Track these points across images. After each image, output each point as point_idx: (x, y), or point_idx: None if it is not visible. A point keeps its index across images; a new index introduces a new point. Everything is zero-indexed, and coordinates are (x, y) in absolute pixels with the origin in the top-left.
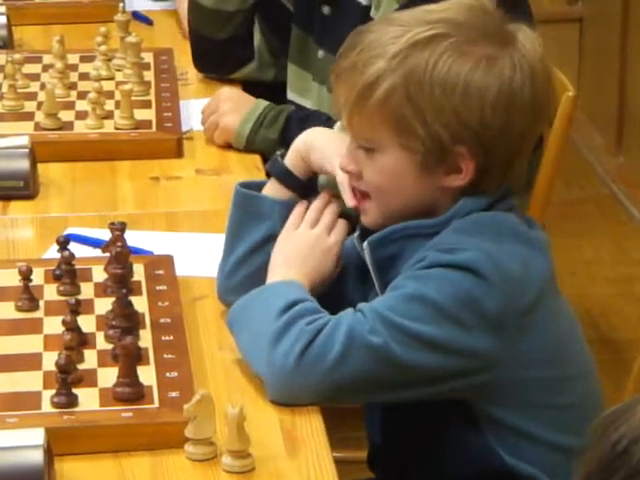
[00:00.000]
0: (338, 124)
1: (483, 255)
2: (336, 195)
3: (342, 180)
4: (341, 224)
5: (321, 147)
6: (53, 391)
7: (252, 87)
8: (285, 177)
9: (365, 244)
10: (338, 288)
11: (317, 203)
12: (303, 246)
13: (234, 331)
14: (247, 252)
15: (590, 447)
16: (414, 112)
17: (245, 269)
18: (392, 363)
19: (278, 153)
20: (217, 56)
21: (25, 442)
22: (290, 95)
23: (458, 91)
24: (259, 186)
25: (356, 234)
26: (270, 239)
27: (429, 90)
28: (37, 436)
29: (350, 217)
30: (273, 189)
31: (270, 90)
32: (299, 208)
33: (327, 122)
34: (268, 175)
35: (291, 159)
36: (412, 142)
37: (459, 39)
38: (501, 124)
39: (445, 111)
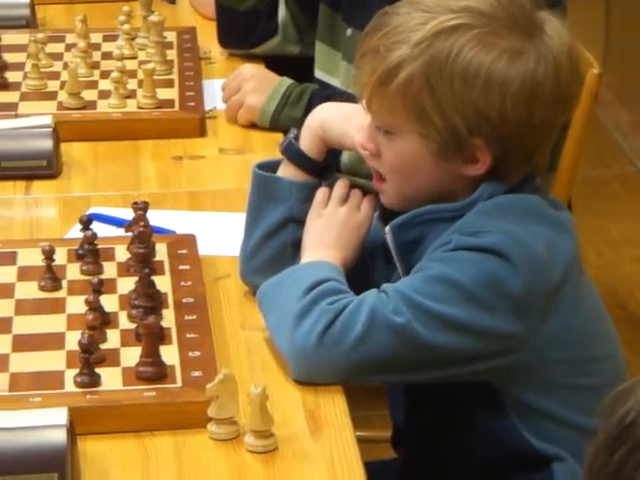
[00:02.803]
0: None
1: (507, 237)
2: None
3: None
4: (370, 199)
5: (338, 123)
6: (76, 371)
7: (276, 62)
8: (301, 160)
9: (387, 228)
10: (362, 268)
11: (343, 180)
12: (333, 224)
13: (263, 310)
14: (265, 235)
15: (600, 425)
16: (433, 101)
17: (264, 252)
18: (414, 343)
19: (291, 135)
20: (241, 28)
21: (48, 421)
22: (318, 73)
23: (479, 83)
24: (276, 165)
25: (376, 214)
26: (288, 221)
27: (449, 80)
28: (60, 415)
29: (377, 194)
30: (289, 171)
31: (294, 66)
32: (324, 187)
33: (351, 101)
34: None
35: (306, 140)
36: (429, 131)
37: (484, 30)
38: (520, 117)
39: (464, 103)
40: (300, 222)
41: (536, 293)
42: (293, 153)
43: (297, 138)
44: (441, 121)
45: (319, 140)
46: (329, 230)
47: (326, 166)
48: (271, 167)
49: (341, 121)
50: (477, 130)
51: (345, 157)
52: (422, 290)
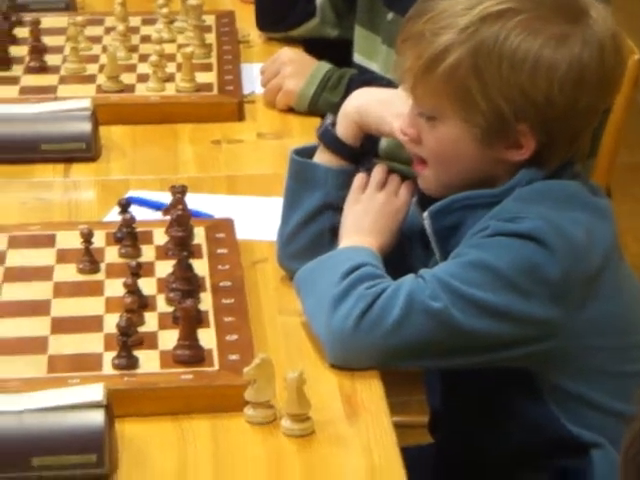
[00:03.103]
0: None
1: (545, 223)
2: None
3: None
4: (408, 185)
5: (375, 109)
6: (114, 353)
7: (314, 46)
8: (337, 146)
9: (425, 214)
10: (399, 254)
11: (381, 166)
12: (371, 209)
13: (300, 294)
14: (302, 221)
15: (637, 412)
16: (479, 86)
17: (301, 238)
18: (451, 328)
19: (328, 121)
20: (278, 10)
21: (86, 401)
22: (357, 57)
23: (526, 68)
24: (313, 151)
25: (414, 199)
26: (324, 208)
27: (497, 65)
28: (97, 393)
29: (415, 179)
30: (325, 157)
31: (332, 49)
32: (362, 173)
33: (389, 86)
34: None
35: (342, 127)
36: (474, 116)
37: (530, 15)
38: (567, 102)
39: (511, 87)
40: (337, 208)
41: (574, 279)
42: (329, 139)
43: (334, 124)
44: (487, 105)
45: (355, 126)
46: (367, 216)
47: (363, 152)
48: (308, 153)
49: (378, 107)
50: (523, 115)
51: (384, 142)
52: (459, 275)
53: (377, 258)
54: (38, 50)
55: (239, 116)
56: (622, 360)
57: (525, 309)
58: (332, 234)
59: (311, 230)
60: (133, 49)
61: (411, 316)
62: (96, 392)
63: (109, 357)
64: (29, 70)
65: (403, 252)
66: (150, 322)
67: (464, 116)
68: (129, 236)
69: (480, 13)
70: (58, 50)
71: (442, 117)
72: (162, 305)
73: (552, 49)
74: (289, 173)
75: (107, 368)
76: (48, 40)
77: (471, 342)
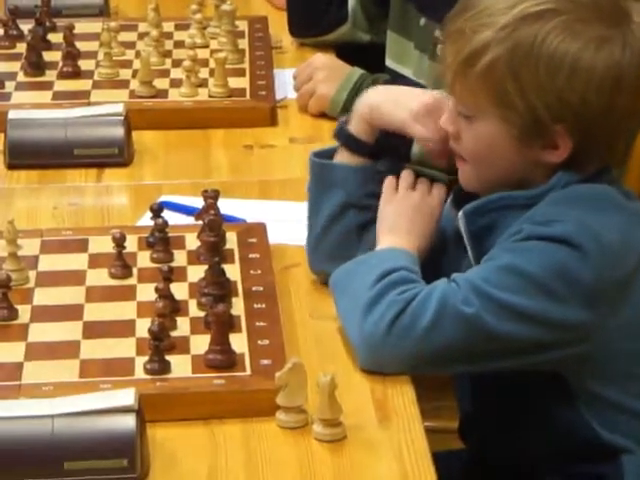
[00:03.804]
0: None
1: (580, 227)
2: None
3: (422, 134)
4: (439, 186)
5: (386, 104)
6: (146, 358)
7: (346, 51)
8: (351, 142)
9: (460, 214)
10: (432, 256)
11: (407, 170)
12: (407, 209)
13: (335, 295)
14: (326, 224)
15: None
16: (516, 86)
17: (328, 239)
18: (483, 333)
19: (342, 120)
20: (310, 15)
21: (118, 406)
22: (389, 63)
23: (564, 71)
24: (333, 153)
25: (449, 199)
26: (346, 207)
27: (534, 66)
28: (129, 398)
29: (445, 183)
30: (343, 156)
31: (364, 54)
32: (390, 175)
33: None
34: None
35: (354, 122)
36: (511, 115)
37: (570, 17)
38: (604, 105)
39: (548, 89)
40: (360, 207)
41: (607, 284)
42: (344, 136)
43: (347, 122)
44: (523, 106)
45: (365, 121)
46: (402, 215)
47: (380, 148)
48: (328, 155)
49: (389, 101)
50: (559, 117)
51: (416, 147)
52: (492, 280)
53: (413, 260)
54: (72, 55)
55: (271, 121)
56: None
57: (558, 313)
58: (359, 233)
59: (336, 231)
60: (166, 54)
61: (443, 321)
62: (128, 397)
63: (141, 362)
64: (62, 75)
65: (436, 255)
66: (182, 327)
67: (501, 114)
68: (161, 241)
69: (520, 13)
70: (91, 55)
71: (480, 115)
72: (194, 310)
73: (591, 52)
74: (310, 177)
75: (139, 373)
76: (82, 45)
77: (503, 346)
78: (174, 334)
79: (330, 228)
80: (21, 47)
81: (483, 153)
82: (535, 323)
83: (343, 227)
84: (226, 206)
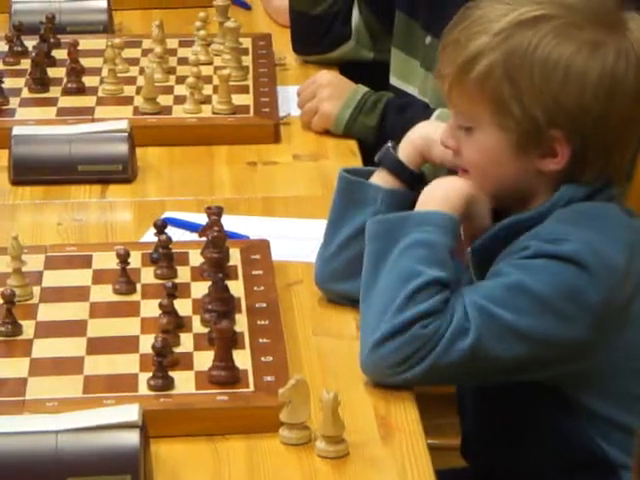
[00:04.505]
0: (436, 113)
1: (588, 247)
2: None
3: None
4: None
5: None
6: (149, 374)
7: (350, 68)
8: (396, 167)
9: (469, 252)
10: None
11: None
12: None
13: (371, 252)
14: (346, 239)
15: None
16: (512, 92)
17: (346, 254)
18: (485, 360)
19: (389, 145)
20: (314, 32)
21: (122, 422)
22: (393, 80)
23: (558, 74)
24: (363, 174)
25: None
26: None
27: (529, 71)
28: (133, 414)
29: None
30: (381, 178)
31: (368, 71)
32: None
33: (425, 110)
34: (375, 165)
35: (405, 150)
36: (508, 122)
37: (565, 22)
38: (600, 111)
39: (543, 93)
40: None
41: (612, 305)
42: (389, 160)
43: (394, 148)
44: (520, 112)
45: (417, 152)
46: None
47: (421, 179)
48: (357, 174)
49: None
50: (556, 122)
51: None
52: (500, 300)
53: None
54: (76, 72)
55: (275, 138)
56: None
57: (561, 332)
58: None
59: (354, 249)
60: (170, 71)
61: (448, 357)
62: (131, 412)
63: (144, 378)
64: (67, 91)
65: None
66: (186, 343)
67: (499, 122)
68: (165, 257)
69: (515, 19)
70: (96, 72)
71: (478, 124)
72: (197, 326)
73: (584, 57)
74: (337, 191)
75: (142, 389)
76: (86, 62)
77: (503, 365)
78: (178, 350)
79: (349, 245)
80: (25, 63)
81: (484, 164)
82: (537, 342)
83: (361, 247)
84: (230, 223)
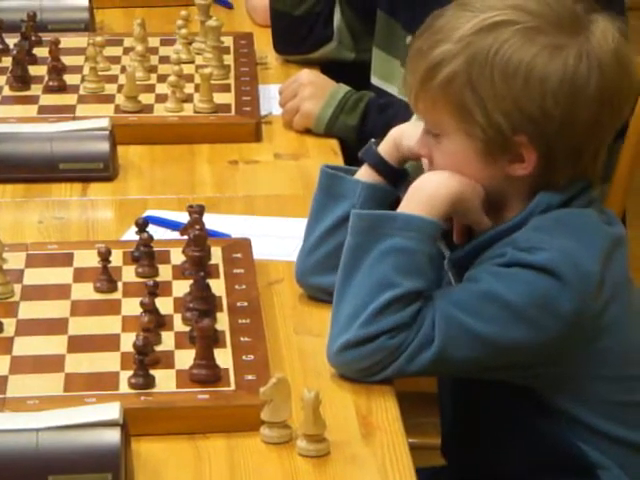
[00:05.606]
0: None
1: (562, 256)
2: None
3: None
4: None
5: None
6: (130, 372)
7: (331, 67)
8: (375, 160)
9: (447, 263)
10: None
11: None
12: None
13: (353, 242)
14: (325, 231)
15: None
16: (474, 98)
17: (325, 247)
18: (449, 366)
19: (373, 141)
20: (296, 33)
21: (102, 420)
22: (374, 80)
23: (519, 78)
24: (345, 171)
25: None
26: (348, 220)
27: (490, 77)
28: (114, 412)
29: None
30: (363, 173)
31: (349, 71)
32: None
33: (407, 110)
34: (356, 164)
35: (384, 143)
36: (473, 128)
37: (526, 26)
38: (563, 115)
39: (505, 99)
40: None
41: (586, 312)
42: (371, 155)
43: (377, 144)
44: (484, 118)
45: (394, 145)
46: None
47: (402, 176)
48: (338, 170)
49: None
50: (520, 127)
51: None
52: (470, 308)
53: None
54: (57, 70)
55: (256, 137)
56: (629, 390)
57: (531, 340)
58: None
59: (333, 241)
60: (152, 69)
61: (411, 366)
62: (112, 411)
63: (125, 376)
64: (48, 89)
65: None
66: (167, 341)
67: (465, 129)
68: (146, 255)
69: (475, 26)
70: (77, 70)
71: (445, 132)
72: (179, 324)
73: (545, 60)
74: (318, 187)
75: (123, 387)
76: (67, 60)
77: (469, 370)
78: (159, 349)
79: (328, 237)
80: (7, 61)
81: (455, 171)
82: (504, 349)
83: (341, 238)
84: (211, 221)
